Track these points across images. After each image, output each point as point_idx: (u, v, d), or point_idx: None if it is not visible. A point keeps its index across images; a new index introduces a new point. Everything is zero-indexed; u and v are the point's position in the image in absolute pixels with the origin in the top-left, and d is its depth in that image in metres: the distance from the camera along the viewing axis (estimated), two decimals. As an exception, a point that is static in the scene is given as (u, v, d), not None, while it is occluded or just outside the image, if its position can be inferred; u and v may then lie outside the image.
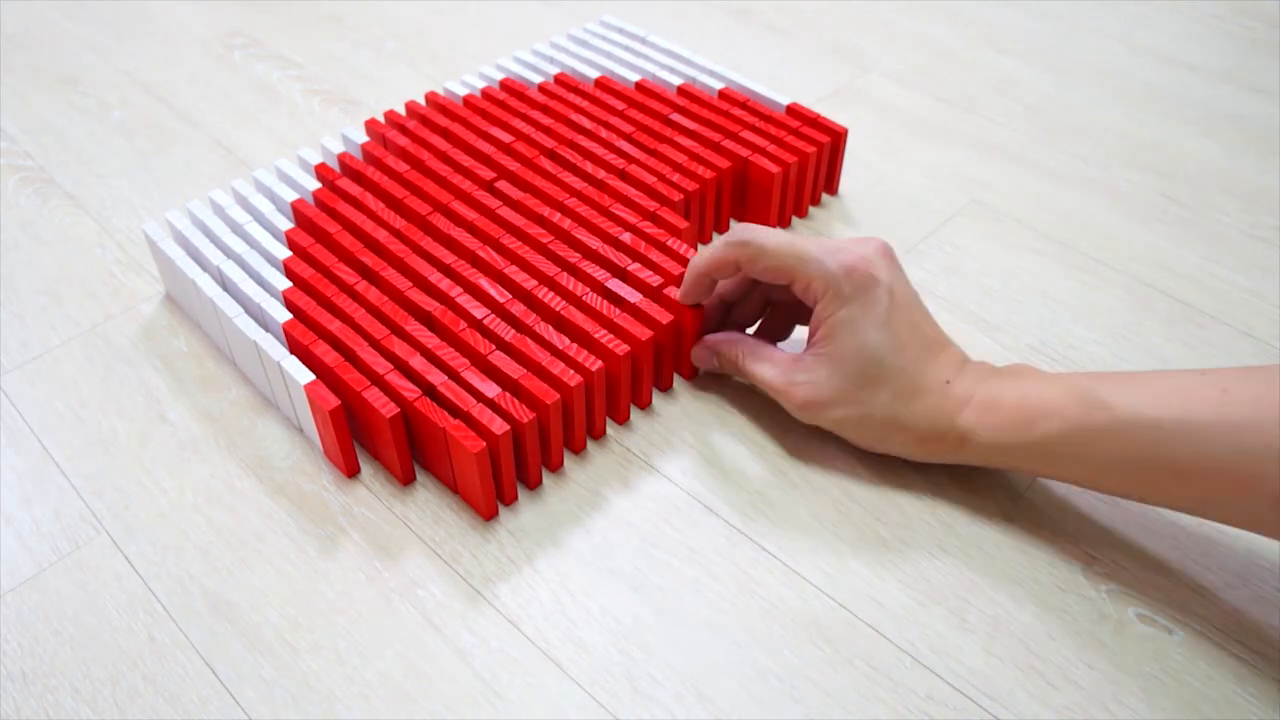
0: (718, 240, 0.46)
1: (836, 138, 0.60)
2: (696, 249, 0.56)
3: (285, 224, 0.53)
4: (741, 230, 0.45)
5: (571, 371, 0.45)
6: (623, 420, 0.50)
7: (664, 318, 0.47)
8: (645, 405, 0.50)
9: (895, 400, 0.43)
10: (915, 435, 0.44)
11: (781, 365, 0.46)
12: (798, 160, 0.58)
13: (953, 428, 0.43)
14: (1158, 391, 0.39)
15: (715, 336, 0.49)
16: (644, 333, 0.47)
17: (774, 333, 0.51)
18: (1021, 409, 0.42)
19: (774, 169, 0.57)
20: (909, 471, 0.47)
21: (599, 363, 0.45)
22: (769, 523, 0.45)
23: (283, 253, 0.51)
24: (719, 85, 0.63)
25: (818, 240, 0.45)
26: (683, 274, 0.49)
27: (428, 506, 0.46)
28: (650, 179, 0.55)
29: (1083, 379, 0.41)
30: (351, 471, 0.47)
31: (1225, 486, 0.38)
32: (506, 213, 0.53)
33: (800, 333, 0.51)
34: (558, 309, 0.48)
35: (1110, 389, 0.40)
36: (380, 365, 0.45)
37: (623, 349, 0.46)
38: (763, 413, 0.50)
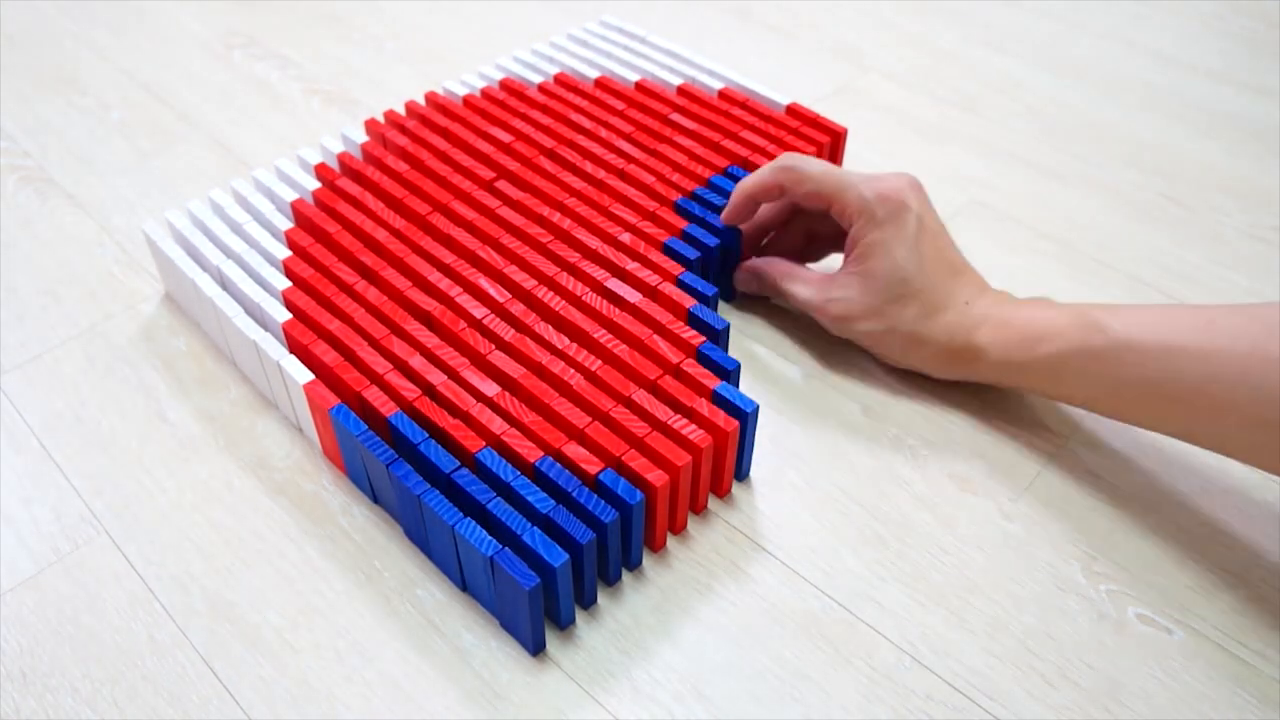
0: (765, 165, 0.51)
1: (836, 138, 0.60)
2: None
3: (285, 224, 0.53)
4: (787, 157, 0.50)
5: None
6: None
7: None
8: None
9: (919, 317, 0.47)
10: (934, 350, 0.48)
11: (816, 285, 0.51)
12: (798, 160, 0.58)
13: (969, 344, 0.47)
14: (1153, 320, 0.42)
15: (756, 261, 0.54)
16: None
17: (810, 260, 0.56)
18: (1029, 329, 0.46)
19: (774, 169, 0.57)
20: (909, 470, 0.47)
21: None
22: (769, 523, 0.45)
23: (282, 252, 0.51)
24: (719, 85, 0.63)
25: (856, 171, 0.49)
26: (681, 273, 0.49)
27: (427, 506, 0.46)
28: (650, 179, 0.55)
29: (1090, 308, 0.45)
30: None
31: (1203, 411, 0.41)
32: (506, 212, 0.53)
33: (832, 261, 0.56)
34: (557, 309, 0.48)
35: (1111, 316, 0.44)
36: (380, 365, 0.45)
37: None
38: (763, 415, 0.50)
